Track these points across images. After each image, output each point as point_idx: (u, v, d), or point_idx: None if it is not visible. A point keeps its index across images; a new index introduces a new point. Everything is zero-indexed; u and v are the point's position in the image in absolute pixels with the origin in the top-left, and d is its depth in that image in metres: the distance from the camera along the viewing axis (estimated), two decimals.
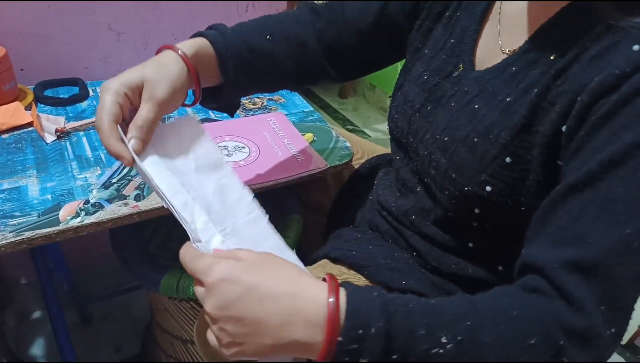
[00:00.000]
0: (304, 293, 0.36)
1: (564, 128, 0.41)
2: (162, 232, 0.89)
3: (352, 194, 0.83)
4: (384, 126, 2.27)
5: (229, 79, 0.58)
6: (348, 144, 0.85)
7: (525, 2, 0.50)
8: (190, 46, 0.53)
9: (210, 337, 0.40)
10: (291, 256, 0.48)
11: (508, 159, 0.46)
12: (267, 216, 0.51)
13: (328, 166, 0.77)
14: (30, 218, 0.59)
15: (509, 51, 0.50)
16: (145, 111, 0.47)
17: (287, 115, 0.91)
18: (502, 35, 0.52)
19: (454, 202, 0.51)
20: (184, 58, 0.52)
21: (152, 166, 0.47)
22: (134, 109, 0.49)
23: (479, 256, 0.55)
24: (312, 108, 0.96)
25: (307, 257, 0.94)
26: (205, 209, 0.47)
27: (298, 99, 0.99)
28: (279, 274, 0.38)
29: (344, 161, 0.80)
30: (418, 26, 0.61)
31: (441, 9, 0.59)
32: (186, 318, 0.85)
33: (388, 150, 0.90)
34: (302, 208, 0.93)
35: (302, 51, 0.63)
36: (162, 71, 0.49)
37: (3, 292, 1.06)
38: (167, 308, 0.86)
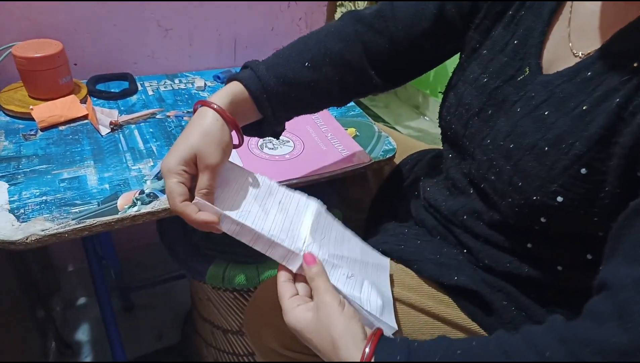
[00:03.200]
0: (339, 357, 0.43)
1: None
2: None
3: (394, 189, 0.83)
4: (416, 123, 2.25)
5: (268, 117, 0.58)
6: (391, 139, 0.85)
7: (599, 3, 0.48)
8: (224, 96, 0.54)
9: None
10: (353, 239, 0.56)
11: (583, 171, 0.44)
12: (324, 205, 0.55)
13: (372, 161, 0.77)
14: (91, 207, 0.61)
15: (582, 54, 0.48)
16: (206, 180, 0.50)
17: (329, 110, 0.92)
18: (573, 38, 0.49)
19: (517, 210, 0.50)
20: (221, 113, 0.52)
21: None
22: (193, 176, 0.52)
23: (537, 257, 0.53)
24: (353, 103, 0.96)
25: None
26: (285, 234, 0.50)
27: None
28: (322, 339, 0.45)
29: (387, 156, 0.80)
30: (476, 25, 0.59)
31: (502, 8, 0.56)
32: (229, 308, 0.87)
33: (429, 146, 0.90)
34: (340, 203, 0.94)
35: (347, 69, 0.61)
36: (206, 137, 0.50)
37: (52, 279, 1.11)
38: (209, 298, 0.88)
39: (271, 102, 0.57)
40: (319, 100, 0.63)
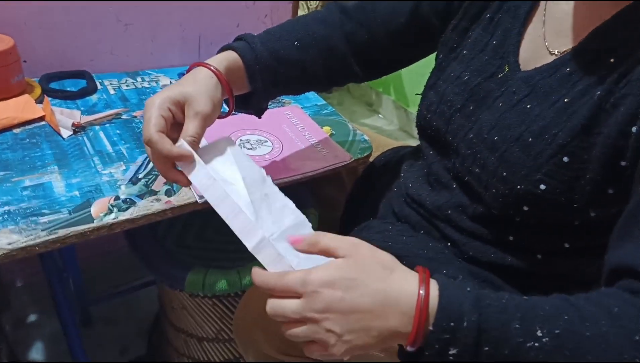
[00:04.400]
0: (394, 287, 0.38)
1: (634, 129, 0.42)
2: (177, 228, 0.87)
3: (369, 186, 0.84)
4: (371, 121, 2.28)
5: (258, 89, 0.59)
6: (366, 137, 0.85)
7: (572, 4, 0.51)
8: (220, 60, 0.55)
9: (313, 347, 0.41)
10: None
11: (566, 159, 0.46)
12: (311, 225, 0.52)
13: (353, 159, 0.78)
14: (62, 216, 0.57)
15: (558, 52, 0.51)
16: (192, 126, 0.48)
17: (303, 108, 0.91)
18: (548, 37, 0.52)
19: (501, 200, 0.52)
20: (216, 73, 0.53)
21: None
22: (176, 124, 0.50)
23: (518, 246, 0.56)
24: (325, 102, 0.96)
25: None
26: (254, 216, 0.48)
27: (311, 93, 0.99)
28: (370, 271, 0.39)
29: (365, 154, 0.81)
30: (453, 26, 0.61)
31: (479, 10, 0.59)
32: (206, 315, 0.84)
33: (399, 143, 0.92)
34: (315, 201, 0.93)
35: (330, 54, 0.64)
36: (199, 86, 0.51)
37: (0, 296, 1.01)
38: (184, 306, 0.84)
39: (262, 75, 0.58)
40: (305, 81, 0.65)
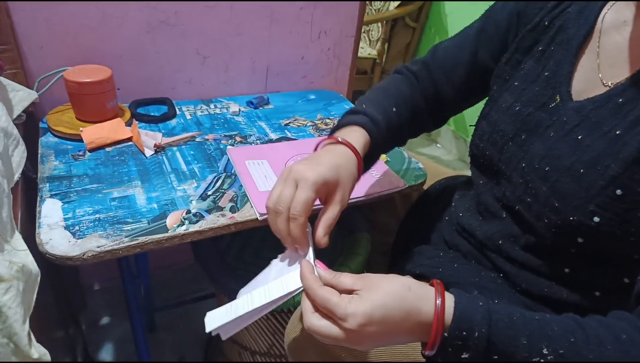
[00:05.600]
0: (415, 302, 0.43)
1: None
2: (237, 243, 0.93)
3: (422, 214, 0.85)
4: (428, 150, 2.28)
5: (375, 156, 0.67)
6: (421, 165, 0.87)
7: (627, 36, 0.51)
8: (358, 140, 0.60)
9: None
10: None
11: (619, 192, 0.46)
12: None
13: (407, 185, 0.80)
14: (141, 225, 0.64)
15: (611, 83, 0.51)
16: (335, 211, 0.53)
17: None
18: (602, 68, 0.53)
19: (554, 231, 0.52)
20: (358, 159, 0.58)
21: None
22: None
23: (574, 281, 0.55)
24: None
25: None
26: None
27: None
28: (393, 304, 0.43)
29: (419, 182, 0.83)
30: (506, 59, 0.63)
31: (531, 43, 0.61)
32: (260, 329, 0.88)
33: (455, 172, 0.93)
34: (368, 226, 0.96)
35: (415, 112, 0.70)
36: (349, 175, 0.56)
37: (79, 297, 1.12)
38: None
39: (378, 146, 0.64)
40: (398, 141, 0.72)
